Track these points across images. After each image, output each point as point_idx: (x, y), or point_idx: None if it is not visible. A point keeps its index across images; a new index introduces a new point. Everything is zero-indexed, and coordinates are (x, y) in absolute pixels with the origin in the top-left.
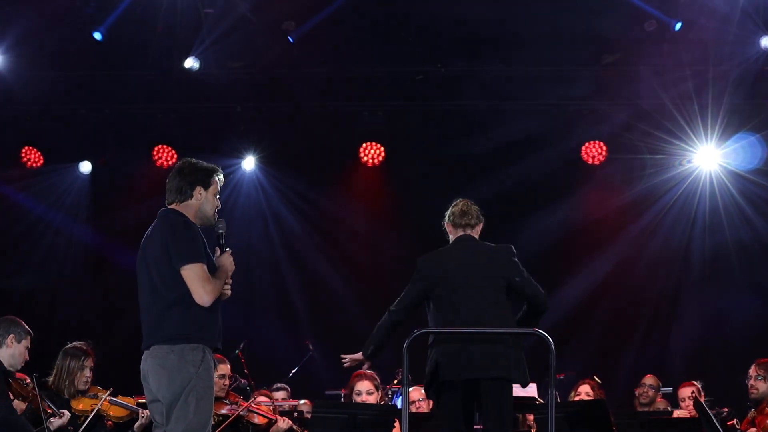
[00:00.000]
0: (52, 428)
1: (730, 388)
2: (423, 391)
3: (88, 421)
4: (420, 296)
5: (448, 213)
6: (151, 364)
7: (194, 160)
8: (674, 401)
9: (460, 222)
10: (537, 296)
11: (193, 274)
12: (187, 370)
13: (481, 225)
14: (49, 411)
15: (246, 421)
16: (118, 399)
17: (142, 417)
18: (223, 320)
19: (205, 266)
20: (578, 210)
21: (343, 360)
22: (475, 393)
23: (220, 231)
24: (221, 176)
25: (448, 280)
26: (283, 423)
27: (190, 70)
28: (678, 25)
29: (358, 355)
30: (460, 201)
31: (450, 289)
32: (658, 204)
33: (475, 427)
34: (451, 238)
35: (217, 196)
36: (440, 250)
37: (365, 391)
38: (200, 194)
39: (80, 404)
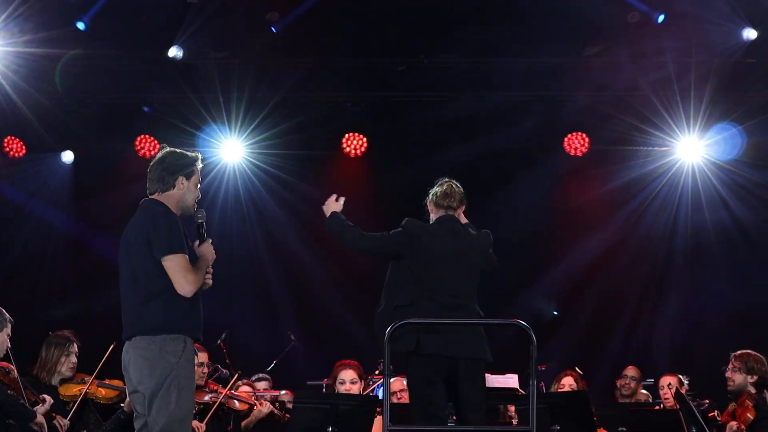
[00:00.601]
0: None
1: (715, 379)
2: (405, 382)
3: (76, 405)
4: (392, 249)
5: (431, 192)
6: (132, 354)
7: (176, 150)
8: (656, 393)
9: (442, 203)
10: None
11: (174, 265)
12: (168, 361)
13: (464, 207)
14: (32, 399)
15: (227, 408)
16: (106, 382)
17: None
18: (203, 310)
19: (187, 257)
20: (560, 202)
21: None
22: (452, 372)
23: (200, 221)
24: (200, 165)
25: (428, 252)
26: (264, 407)
27: (174, 59)
28: (661, 18)
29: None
30: (446, 181)
31: (429, 263)
32: (641, 195)
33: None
34: (433, 217)
35: (198, 186)
36: (426, 224)
37: (349, 380)
38: (182, 184)
39: (68, 390)
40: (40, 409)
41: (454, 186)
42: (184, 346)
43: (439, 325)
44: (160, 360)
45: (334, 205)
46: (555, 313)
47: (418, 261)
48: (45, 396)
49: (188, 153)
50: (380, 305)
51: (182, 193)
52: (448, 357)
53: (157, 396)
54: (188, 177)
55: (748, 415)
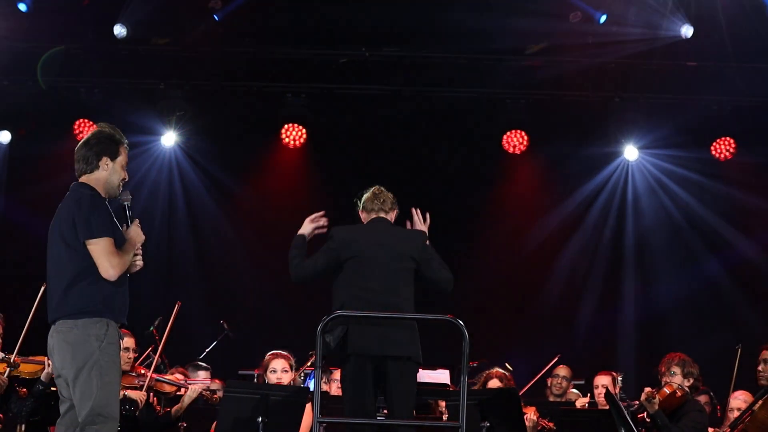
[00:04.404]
0: None
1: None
2: None
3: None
4: (330, 263)
5: (359, 200)
6: (56, 339)
7: (103, 130)
8: (586, 393)
9: (372, 207)
10: (441, 280)
11: (99, 249)
12: (90, 344)
13: (395, 212)
14: None
15: (155, 390)
16: (29, 358)
17: (49, 366)
18: (142, 298)
19: (113, 240)
20: (498, 199)
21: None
22: (381, 371)
23: (125, 203)
24: (126, 146)
25: (360, 254)
26: (192, 391)
27: (117, 37)
28: (603, 18)
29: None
30: (373, 187)
31: (361, 264)
32: (581, 192)
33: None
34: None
35: (124, 167)
36: (356, 225)
37: (280, 369)
38: (107, 165)
39: None
40: None
41: (383, 189)
42: (107, 330)
43: (365, 324)
44: (83, 344)
45: (307, 224)
46: None
47: (351, 264)
48: None
49: (114, 133)
50: None
51: (108, 174)
52: (375, 356)
53: (79, 380)
54: (113, 158)
55: (666, 390)
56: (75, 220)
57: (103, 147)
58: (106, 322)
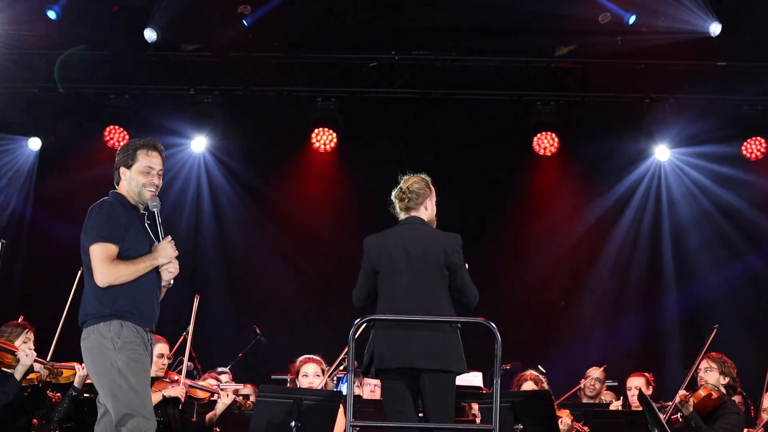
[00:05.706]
0: (18, 377)
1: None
2: None
3: (30, 385)
4: (370, 276)
5: (393, 195)
6: (82, 347)
7: (128, 142)
8: (620, 394)
9: (402, 206)
10: (467, 294)
11: (94, 253)
12: (105, 347)
13: (429, 198)
14: (7, 360)
15: (189, 396)
16: (63, 363)
17: (81, 368)
18: (162, 303)
19: (112, 246)
20: (530, 201)
21: None
22: (416, 380)
23: (153, 209)
24: (152, 151)
25: (390, 263)
26: (226, 398)
27: (148, 41)
28: (632, 19)
29: None
30: (402, 181)
31: (392, 273)
32: (612, 195)
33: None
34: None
35: (150, 172)
36: (386, 232)
37: (312, 374)
38: (125, 175)
39: (29, 374)
40: (20, 367)
41: (406, 187)
42: (120, 330)
43: (395, 336)
44: (99, 348)
45: None
46: None
47: (382, 276)
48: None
49: (131, 142)
50: None
51: (127, 183)
52: (405, 369)
53: (102, 384)
54: (128, 166)
55: (701, 392)
56: (85, 226)
57: (118, 159)
58: (119, 323)
